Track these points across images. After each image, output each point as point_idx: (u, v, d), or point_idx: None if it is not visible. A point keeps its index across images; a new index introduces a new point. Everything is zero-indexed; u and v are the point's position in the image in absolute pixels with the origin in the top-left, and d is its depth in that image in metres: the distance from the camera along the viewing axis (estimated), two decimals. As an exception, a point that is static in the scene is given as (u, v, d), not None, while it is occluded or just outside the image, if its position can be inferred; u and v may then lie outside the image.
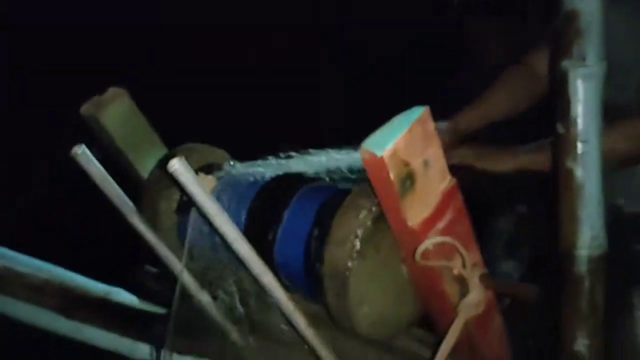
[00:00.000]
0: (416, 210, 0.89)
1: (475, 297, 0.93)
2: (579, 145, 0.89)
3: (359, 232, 0.98)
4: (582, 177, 0.90)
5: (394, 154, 0.83)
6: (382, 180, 0.85)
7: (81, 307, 1.67)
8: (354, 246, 0.98)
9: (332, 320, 1.06)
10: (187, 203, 1.23)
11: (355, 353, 1.22)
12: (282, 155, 1.20)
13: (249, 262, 1.00)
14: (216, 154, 1.35)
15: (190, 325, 1.40)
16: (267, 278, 1.01)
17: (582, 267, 0.94)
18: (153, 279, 1.64)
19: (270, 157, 1.23)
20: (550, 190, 0.97)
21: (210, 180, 1.18)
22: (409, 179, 0.86)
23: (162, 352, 1.54)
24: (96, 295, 1.70)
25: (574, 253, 0.94)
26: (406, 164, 0.85)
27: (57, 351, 1.75)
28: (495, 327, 1.06)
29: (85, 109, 1.27)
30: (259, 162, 1.25)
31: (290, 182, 1.14)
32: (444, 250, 0.92)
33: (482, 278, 0.94)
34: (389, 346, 1.18)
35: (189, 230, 1.16)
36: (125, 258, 1.66)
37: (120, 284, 1.74)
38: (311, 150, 1.18)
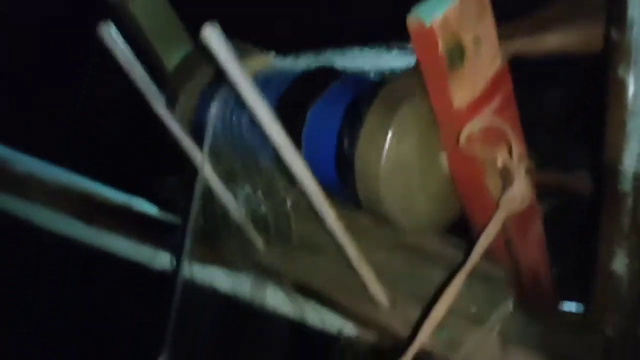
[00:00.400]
0: (463, 91, 0.83)
1: (520, 190, 0.88)
2: (634, 53, 0.82)
3: (394, 126, 0.93)
4: (635, 88, 0.84)
5: (445, 23, 0.76)
6: (429, 54, 0.78)
7: (102, 214, 1.66)
8: (387, 142, 0.93)
9: (369, 215, 1.02)
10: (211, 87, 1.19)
11: (382, 258, 1.19)
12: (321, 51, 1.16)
13: (280, 147, 0.95)
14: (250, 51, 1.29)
15: (210, 233, 1.37)
16: (298, 165, 0.96)
17: (626, 184, 0.91)
18: (173, 189, 1.62)
19: (309, 53, 1.19)
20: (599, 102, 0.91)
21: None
22: (458, 54, 0.80)
23: (181, 261, 1.54)
24: (117, 203, 1.69)
25: (619, 168, 0.90)
26: (457, 38, 0.79)
27: (77, 259, 1.74)
28: (536, 234, 1.02)
29: (113, -5, 1.21)
30: (296, 56, 1.20)
31: (327, 72, 1.08)
32: (489, 139, 0.86)
33: (529, 170, 0.89)
34: (418, 250, 1.15)
35: (214, 110, 1.11)
36: (146, 170, 1.64)
37: (141, 195, 1.73)
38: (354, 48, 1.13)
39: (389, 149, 0.93)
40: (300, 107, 1.05)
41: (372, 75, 1.12)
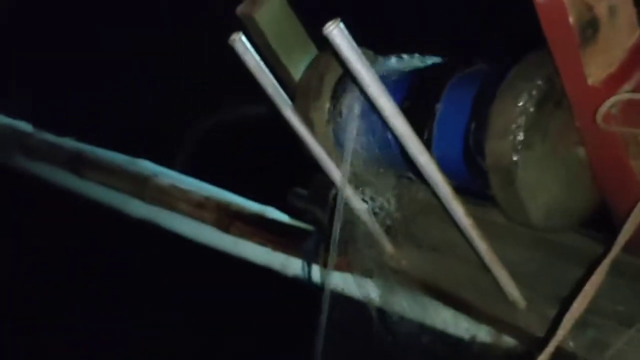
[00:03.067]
0: (598, 66, 0.78)
1: (670, 171, 0.81)
2: None
3: (521, 120, 0.89)
4: None
5: (575, -7, 0.73)
6: (558, 27, 0.75)
7: (238, 222, 1.74)
8: (516, 137, 0.90)
9: (503, 214, 0.98)
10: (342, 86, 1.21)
11: (516, 257, 1.14)
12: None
13: (405, 139, 0.94)
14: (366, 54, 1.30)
15: (341, 241, 1.38)
16: (424, 157, 0.95)
17: None
18: (303, 200, 1.65)
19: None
20: None
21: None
22: (591, 26, 0.75)
23: (313, 268, 1.57)
24: (251, 211, 1.76)
25: None
26: (589, 8, 0.75)
27: (215, 266, 1.83)
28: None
29: (241, 8, 1.28)
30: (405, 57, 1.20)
31: (441, 72, 1.06)
32: (631, 117, 0.80)
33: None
34: (554, 247, 1.08)
35: (343, 116, 1.13)
36: (279, 181, 1.69)
37: (274, 204, 1.79)
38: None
39: (523, 135, 0.89)
40: (428, 101, 1.04)
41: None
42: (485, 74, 1.02)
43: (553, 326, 0.99)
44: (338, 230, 1.27)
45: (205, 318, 1.99)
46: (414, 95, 1.10)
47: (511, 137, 0.90)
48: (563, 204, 0.96)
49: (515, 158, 0.91)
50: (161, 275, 1.98)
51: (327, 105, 1.28)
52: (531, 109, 0.89)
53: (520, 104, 0.89)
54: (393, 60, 1.22)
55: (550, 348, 0.81)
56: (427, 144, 1.06)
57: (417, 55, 1.22)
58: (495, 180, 0.97)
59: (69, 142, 2.06)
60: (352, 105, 1.22)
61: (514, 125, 0.90)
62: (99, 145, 2.03)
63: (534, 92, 0.88)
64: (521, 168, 0.91)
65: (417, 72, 1.15)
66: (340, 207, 1.25)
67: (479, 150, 0.97)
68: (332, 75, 1.26)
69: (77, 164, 1.98)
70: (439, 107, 1.05)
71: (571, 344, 0.97)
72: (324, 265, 1.55)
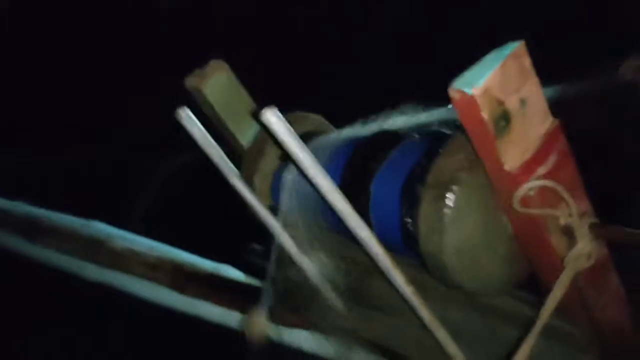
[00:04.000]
0: (514, 154, 0.83)
1: (585, 248, 0.86)
2: None
3: (457, 174, 0.93)
4: None
5: (486, 91, 0.78)
6: (474, 121, 0.80)
7: (192, 283, 1.75)
8: (450, 189, 0.93)
9: (429, 273, 1.02)
10: (282, 165, 1.25)
11: (457, 318, 1.18)
12: (375, 116, 1.19)
13: (344, 215, 0.98)
14: (316, 120, 1.35)
15: (295, 298, 1.41)
16: (364, 232, 0.99)
17: None
18: (259, 256, 1.68)
19: (366, 119, 1.22)
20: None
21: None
22: (503, 118, 0.81)
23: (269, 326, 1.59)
24: (206, 271, 1.77)
25: None
26: (500, 103, 0.80)
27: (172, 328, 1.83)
28: (612, 287, 0.98)
29: (189, 80, 1.32)
30: (356, 124, 1.24)
31: (386, 139, 1.11)
32: (548, 198, 0.85)
33: (592, 227, 0.87)
34: (493, 310, 1.13)
35: (285, 183, 1.17)
36: (232, 237, 1.71)
37: (228, 261, 1.81)
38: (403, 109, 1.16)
39: (447, 236, 0.94)
40: (363, 180, 1.09)
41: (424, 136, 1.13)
42: (418, 149, 1.07)
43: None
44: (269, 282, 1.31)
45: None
46: (355, 168, 1.14)
47: (440, 227, 0.94)
48: (496, 272, 1.00)
49: (446, 245, 0.94)
50: (117, 336, 1.97)
51: (271, 170, 1.32)
52: (460, 196, 0.92)
53: (458, 161, 0.93)
54: (347, 129, 1.27)
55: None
56: (366, 215, 1.10)
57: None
58: (429, 259, 1.00)
59: (20, 206, 2.04)
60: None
61: (442, 218, 0.93)
62: (50, 207, 2.02)
63: (461, 180, 0.93)
64: (453, 252, 0.95)
65: (366, 137, 1.18)
66: (273, 261, 1.29)
67: (413, 233, 1.01)
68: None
69: (29, 229, 1.97)
70: (376, 182, 1.09)
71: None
72: (280, 322, 1.59)
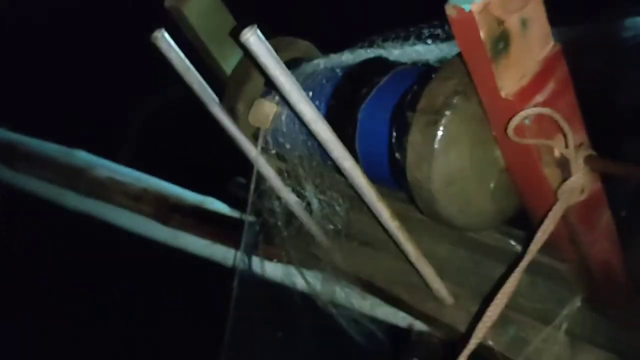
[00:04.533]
0: (511, 78, 0.78)
1: (579, 181, 0.82)
2: None
3: (450, 100, 0.87)
4: None
5: (485, 8, 0.72)
6: (470, 41, 0.75)
7: (176, 213, 1.72)
8: (442, 114, 0.88)
9: (417, 205, 0.98)
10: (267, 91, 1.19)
11: (442, 252, 1.16)
12: (366, 45, 1.13)
13: (328, 144, 0.94)
14: (304, 47, 1.29)
15: (277, 232, 1.39)
16: (348, 163, 0.95)
17: None
18: (243, 189, 1.64)
19: (356, 47, 1.16)
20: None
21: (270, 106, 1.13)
22: (502, 39, 0.75)
23: (253, 259, 1.57)
24: (191, 203, 1.74)
25: None
26: (500, 22, 0.74)
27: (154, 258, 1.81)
28: (603, 223, 0.94)
29: (169, 1, 1.24)
30: (346, 51, 1.18)
31: (376, 66, 1.05)
32: (543, 128, 0.81)
33: (588, 160, 0.83)
34: (480, 245, 1.10)
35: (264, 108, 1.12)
36: (218, 172, 1.67)
37: (214, 194, 1.77)
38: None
39: (437, 164, 0.89)
40: (350, 108, 1.03)
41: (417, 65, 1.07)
42: (408, 76, 1.01)
43: (471, 325, 1.02)
44: (250, 211, 1.29)
45: (144, 310, 1.97)
46: (342, 95, 1.09)
47: (430, 157, 0.89)
48: (486, 207, 0.97)
49: (434, 176, 0.90)
50: (99, 268, 1.95)
51: (256, 96, 1.26)
52: (449, 125, 0.88)
53: (449, 88, 0.88)
54: (337, 56, 1.20)
55: (470, 346, 0.83)
56: (352, 144, 1.06)
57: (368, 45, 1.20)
58: (416, 191, 0.95)
59: (1, 133, 1.99)
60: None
61: (432, 147, 0.88)
62: (33, 135, 1.97)
63: (452, 107, 0.88)
64: (441, 184, 0.90)
65: (357, 64, 1.12)
66: (251, 191, 1.26)
67: (401, 163, 0.96)
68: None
69: (10, 155, 1.91)
70: (364, 110, 1.04)
71: (491, 342, 1.00)
72: (264, 255, 1.57)
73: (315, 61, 1.16)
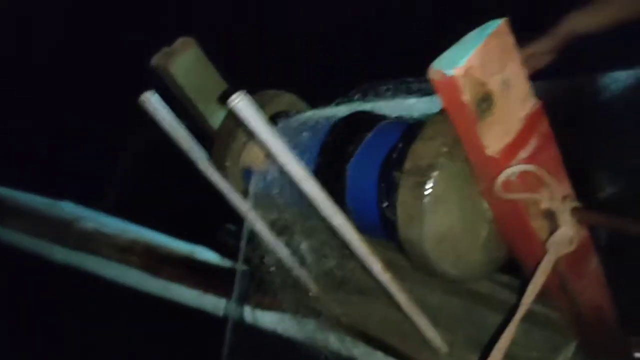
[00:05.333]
0: (495, 137, 0.80)
1: (567, 233, 0.84)
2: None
3: (436, 160, 0.89)
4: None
5: (467, 72, 0.75)
6: (455, 103, 0.77)
7: (167, 265, 1.71)
8: (429, 176, 0.89)
9: (410, 261, 0.99)
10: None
11: (435, 301, 1.16)
12: (354, 97, 1.15)
13: (318, 202, 0.95)
14: (290, 100, 1.30)
15: (269, 281, 1.38)
16: (339, 219, 0.96)
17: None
18: (233, 236, 1.64)
19: (342, 100, 1.18)
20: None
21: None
22: (485, 100, 0.77)
23: (245, 308, 1.56)
24: (181, 254, 1.74)
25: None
26: (482, 84, 0.76)
27: (144, 310, 1.79)
28: (592, 270, 0.96)
29: (156, 59, 1.26)
30: (331, 106, 1.20)
31: (364, 119, 1.07)
32: (529, 182, 0.82)
33: (575, 212, 0.84)
34: (472, 293, 1.11)
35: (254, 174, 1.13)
36: (207, 219, 1.67)
37: (204, 243, 1.77)
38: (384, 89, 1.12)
39: (428, 224, 0.90)
40: (339, 164, 1.04)
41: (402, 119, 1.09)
42: (394, 131, 1.03)
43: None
44: (241, 263, 1.29)
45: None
46: (330, 150, 1.10)
47: (419, 216, 0.90)
48: (477, 258, 0.98)
49: (425, 234, 0.91)
50: (87, 320, 1.93)
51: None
52: (438, 184, 0.89)
53: (436, 144, 0.89)
54: (321, 110, 1.22)
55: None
56: (342, 199, 1.07)
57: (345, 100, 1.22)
58: (408, 247, 0.96)
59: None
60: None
61: (420, 208, 0.90)
62: (17, 187, 1.96)
63: (439, 167, 0.89)
64: (433, 241, 0.91)
65: (343, 117, 1.14)
66: (243, 245, 1.26)
67: (392, 220, 0.96)
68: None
69: (-3, 210, 1.91)
70: (353, 165, 1.05)
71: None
72: (256, 304, 1.56)
73: (300, 116, 1.17)
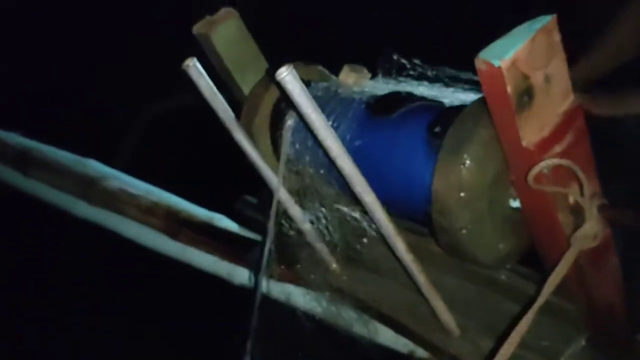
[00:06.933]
0: (532, 130, 0.82)
1: (592, 228, 0.87)
2: None
3: (473, 147, 0.92)
4: None
5: (513, 64, 0.77)
6: (497, 94, 0.79)
7: (186, 229, 1.75)
8: (465, 163, 0.93)
9: (437, 242, 1.02)
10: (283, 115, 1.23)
11: (453, 285, 1.20)
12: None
13: (351, 179, 0.98)
14: (321, 73, 1.33)
15: (286, 252, 1.42)
16: (370, 197, 0.99)
17: None
18: (252, 208, 1.68)
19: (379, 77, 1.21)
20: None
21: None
22: (527, 93, 0.80)
23: (259, 278, 1.60)
24: (200, 219, 1.77)
25: None
26: (526, 77, 0.79)
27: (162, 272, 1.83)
28: (610, 268, 0.99)
29: (197, 27, 1.28)
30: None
31: (399, 99, 1.10)
32: (560, 176, 0.85)
33: (601, 208, 0.87)
34: (488, 280, 1.14)
35: (285, 140, 1.15)
36: (228, 189, 1.70)
37: (223, 211, 1.80)
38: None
39: (461, 208, 0.94)
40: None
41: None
42: (442, 105, 1.06)
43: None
44: (271, 239, 1.30)
45: (148, 323, 1.99)
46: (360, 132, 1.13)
47: (457, 176, 0.93)
48: (495, 239, 1.01)
49: (459, 194, 0.94)
50: (105, 278, 1.97)
51: (268, 121, 1.31)
52: (476, 150, 0.92)
53: (477, 129, 0.93)
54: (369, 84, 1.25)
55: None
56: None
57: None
58: (437, 203, 0.98)
59: (15, 138, 2.01)
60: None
61: (465, 151, 0.93)
62: (46, 142, 1.99)
63: (477, 142, 0.92)
64: (463, 204, 0.95)
65: (380, 96, 1.17)
66: (272, 217, 1.27)
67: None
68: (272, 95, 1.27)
69: (23, 162, 1.94)
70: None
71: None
72: (270, 275, 1.60)
73: (331, 86, 1.20)
